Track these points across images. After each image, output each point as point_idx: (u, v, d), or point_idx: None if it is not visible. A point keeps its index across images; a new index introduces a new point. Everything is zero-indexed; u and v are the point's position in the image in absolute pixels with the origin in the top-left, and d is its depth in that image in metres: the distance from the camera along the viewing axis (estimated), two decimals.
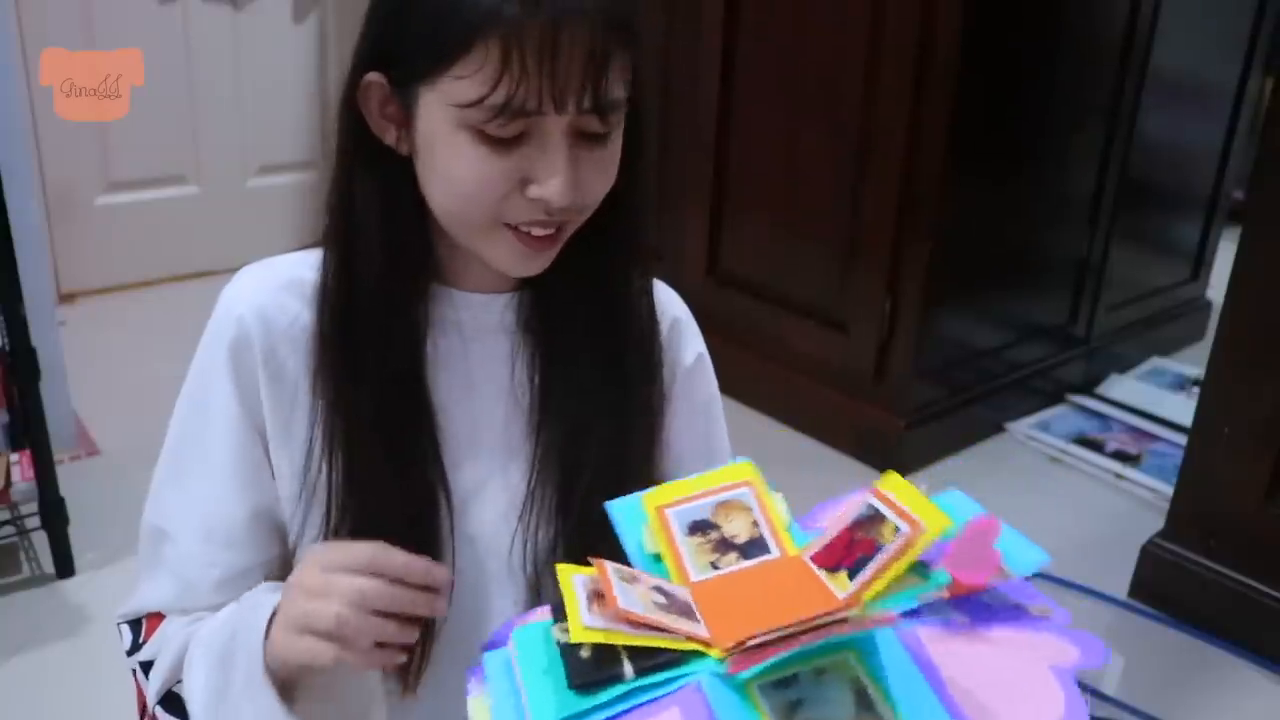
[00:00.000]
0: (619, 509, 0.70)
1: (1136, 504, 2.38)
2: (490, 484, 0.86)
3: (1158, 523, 2.07)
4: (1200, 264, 3.10)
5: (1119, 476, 2.47)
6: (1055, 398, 2.78)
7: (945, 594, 0.60)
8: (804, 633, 0.54)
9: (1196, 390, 2.03)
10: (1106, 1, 2.48)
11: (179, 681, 0.80)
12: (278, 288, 0.81)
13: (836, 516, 0.65)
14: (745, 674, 0.53)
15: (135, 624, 0.86)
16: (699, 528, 0.67)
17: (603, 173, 0.77)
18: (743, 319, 2.62)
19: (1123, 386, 2.88)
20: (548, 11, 0.68)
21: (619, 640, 0.56)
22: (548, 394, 0.85)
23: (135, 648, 0.85)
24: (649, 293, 0.87)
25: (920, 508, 0.61)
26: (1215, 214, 3.04)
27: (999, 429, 2.64)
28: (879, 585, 0.59)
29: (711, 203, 2.65)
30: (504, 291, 0.85)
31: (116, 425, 2.39)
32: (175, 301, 3.07)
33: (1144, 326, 3.00)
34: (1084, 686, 0.56)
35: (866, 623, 0.55)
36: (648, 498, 0.70)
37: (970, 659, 0.56)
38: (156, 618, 0.85)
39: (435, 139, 0.74)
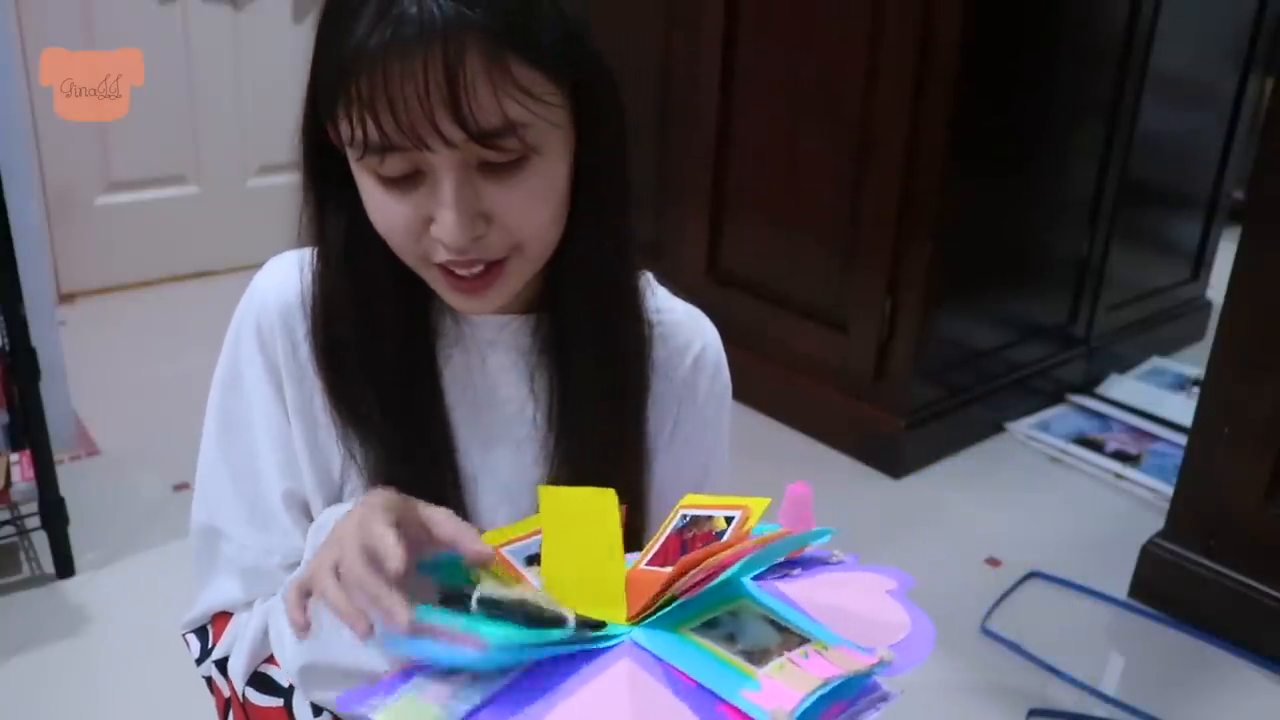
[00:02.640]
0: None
1: (1136, 504, 2.38)
2: (502, 507, 0.85)
3: (1158, 523, 2.07)
4: (1200, 264, 3.10)
5: (1119, 476, 2.47)
6: (1055, 398, 2.78)
7: (783, 534, 0.68)
8: (696, 583, 0.61)
9: (1196, 390, 2.03)
10: (1106, 2, 2.48)
11: (267, 659, 0.79)
12: (305, 279, 0.80)
13: (655, 536, 0.70)
14: (679, 615, 0.60)
15: (201, 631, 0.85)
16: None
17: (524, 202, 0.69)
18: (743, 319, 2.62)
19: (1123, 386, 2.88)
20: (380, 38, 0.63)
21: (567, 588, 0.62)
22: (563, 422, 0.82)
23: (206, 654, 0.84)
24: (635, 315, 0.83)
25: (732, 500, 0.68)
26: (1215, 214, 3.04)
27: (999, 429, 2.64)
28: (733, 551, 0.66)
29: (711, 203, 2.65)
30: (515, 314, 0.82)
31: (116, 425, 2.39)
32: (175, 301, 3.08)
33: (1144, 326, 3.00)
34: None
35: (735, 552, 0.62)
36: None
37: (825, 600, 0.64)
38: (223, 619, 0.83)
39: (358, 183, 0.73)
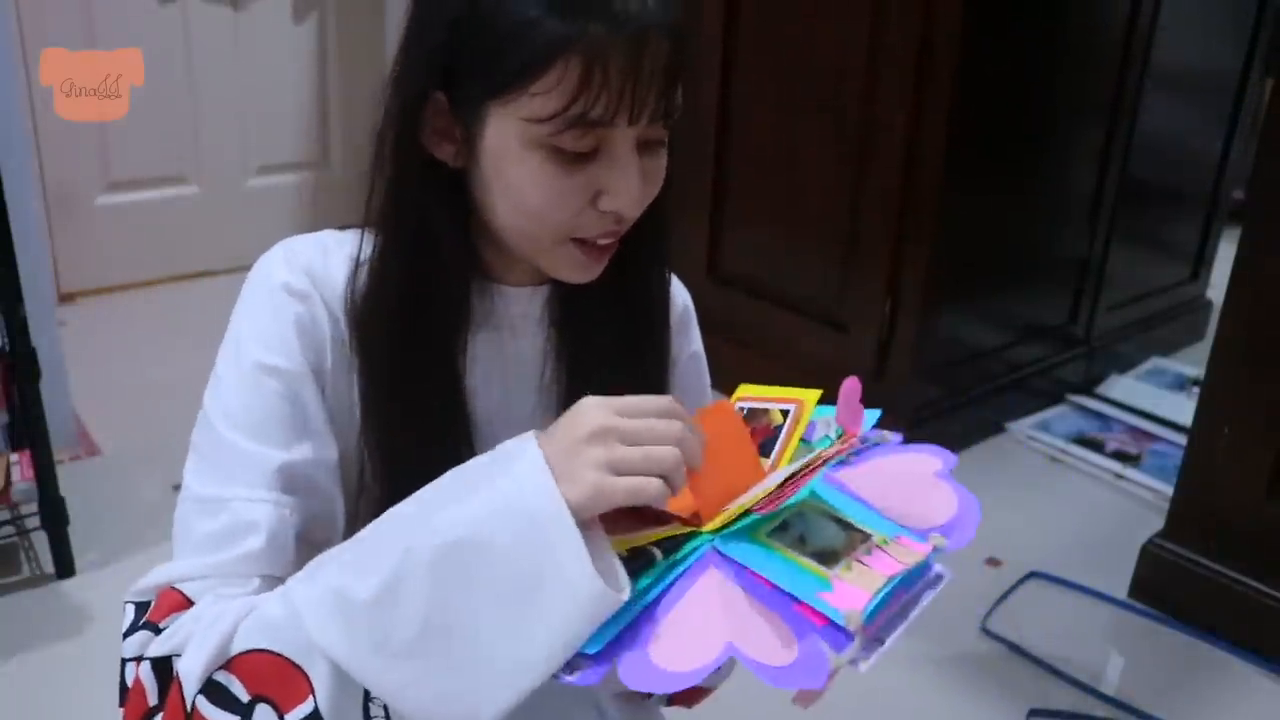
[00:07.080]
0: None
1: (1136, 504, 2.38)
2: None
3: (1158, 523, 2.08)
4: (1200, 264, 3.11)
5: (1119, 476, 2.47)
6: (1055, 398, 2.78)
7: (843, 449, 0.72)
8: (767, 500, 0.65)
9: (1196, 390, 2.03)
10: (1107, 1, 2.48)
11: (226, 665, 0.66)
12: (325, 267, 0.79)
13: None
14: (755, 525, 0.65)
15: (142, 606, 0.74)
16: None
17: (658, 179, 0.79)
18: (743, 319, 2.62)
19: (1123, 386, 2.88)
20: (631, 30, 0.68)
21: (640, 542, 0.65)
22: (576, 393, 0.83)
23: (134, 629, 0.72)
24: (667, 289, 0.90)
25: (786, 393, 0.74)
26: (1215, 214, 3.04)
27: (999, 429, 2.64)
28: (789, 451, 0.72)
29: (712, 203, 2.65)
30: (542, 284, 0.86)
31: (116, 425, 2.39)
32: (175, 301, 3.08)
33: (1144, 326, 3.00)
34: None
35: (805, 477, 0.67)
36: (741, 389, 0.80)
37: (880, 485, 0.69)
38: (172, 597, 0.72)
39: (504, 158, 0.73)
